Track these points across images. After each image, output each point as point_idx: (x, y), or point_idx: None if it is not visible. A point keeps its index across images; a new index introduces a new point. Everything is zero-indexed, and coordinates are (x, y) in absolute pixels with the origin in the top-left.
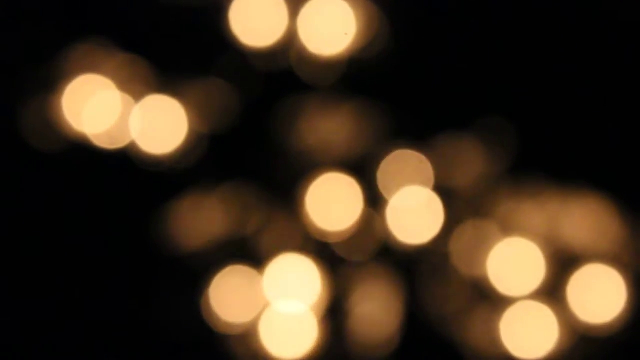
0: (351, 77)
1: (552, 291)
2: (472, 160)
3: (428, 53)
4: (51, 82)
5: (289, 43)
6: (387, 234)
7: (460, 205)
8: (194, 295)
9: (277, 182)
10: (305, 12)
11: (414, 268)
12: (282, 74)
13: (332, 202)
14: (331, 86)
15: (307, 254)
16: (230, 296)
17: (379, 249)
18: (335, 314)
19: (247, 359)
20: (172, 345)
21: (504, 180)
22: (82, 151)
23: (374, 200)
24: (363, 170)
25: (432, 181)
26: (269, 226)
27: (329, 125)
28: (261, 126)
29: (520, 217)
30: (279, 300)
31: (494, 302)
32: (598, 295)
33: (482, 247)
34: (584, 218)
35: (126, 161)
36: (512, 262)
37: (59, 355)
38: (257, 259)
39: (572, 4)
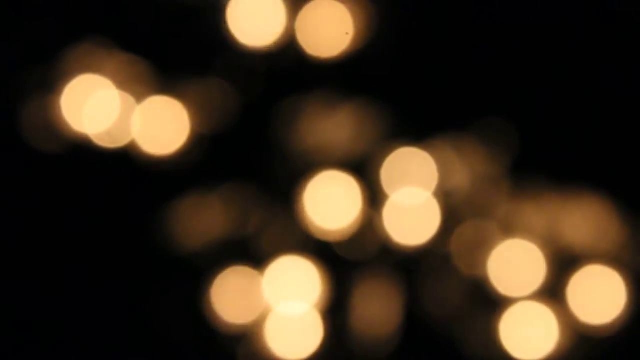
0: (351, 77)
1: (552, 291)
2: (472, 160)
3: (428, 53)
4: (51, 81)
5: (289, 43)
6: (387, 234)
7: (460, 205)
8: (194, 296)
9: (277, 182)
10: (305, 12)
11: (413, 268)
12: (282, 74)
13: (332, 202)
14: (331, 86)
15: (307, 254)
16: (230, 296)
17: (378, 249)
18: (335, 314)
19: (247, 359)
20: (172, 345)
21: (504, 180)
22: (82, 151)
23: (374, 200)
24: (363, 170)
25: (432, 181)
26: (269, 226)
27: (329, 125)
28: (261, 126)
29: (520, 218)
30: (279, 301)
31: (494, 302)
32: (598, 296)
33: (482, 247)
34: (584, 218)
35: (126, 161)
36: (512, 263)
37: (59, 355)
38: (257, 259)
39: (572, 4)
